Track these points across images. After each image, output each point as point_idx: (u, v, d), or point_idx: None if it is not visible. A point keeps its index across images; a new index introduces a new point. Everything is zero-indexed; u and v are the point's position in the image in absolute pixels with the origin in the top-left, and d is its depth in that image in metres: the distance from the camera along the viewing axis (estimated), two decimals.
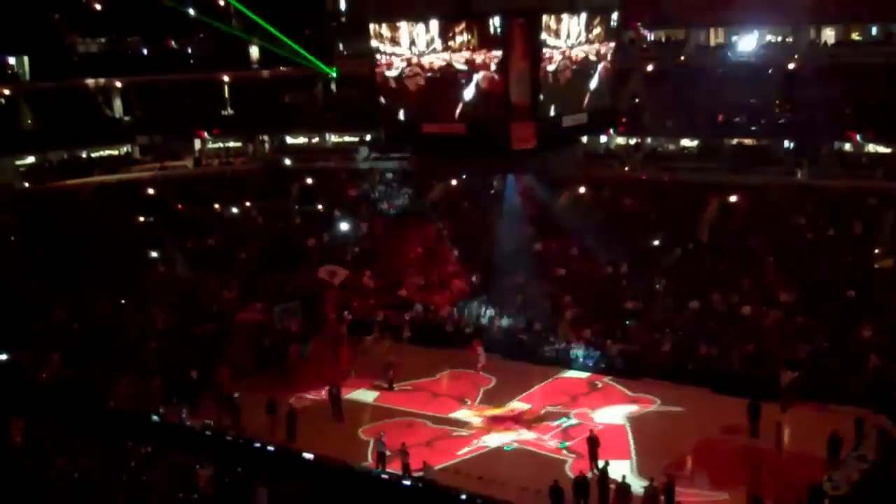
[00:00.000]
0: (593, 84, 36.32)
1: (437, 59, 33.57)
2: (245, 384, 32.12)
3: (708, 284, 36.45)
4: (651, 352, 33.63)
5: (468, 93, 33.55)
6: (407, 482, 23.81)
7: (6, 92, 45.96)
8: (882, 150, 39.69)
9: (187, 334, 35.41)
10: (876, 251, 35.87)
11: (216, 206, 46.90)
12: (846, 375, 30.03)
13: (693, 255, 38.90)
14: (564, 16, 33.28)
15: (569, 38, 33.83)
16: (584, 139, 43.87)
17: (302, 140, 52.10)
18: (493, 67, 32.52)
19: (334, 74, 48.18)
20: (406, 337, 37.68)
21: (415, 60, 34.16)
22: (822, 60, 41.53)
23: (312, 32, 50.76)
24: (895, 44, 41.13)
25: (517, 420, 29.98)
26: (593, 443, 26.08)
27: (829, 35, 42.84)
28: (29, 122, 46.81)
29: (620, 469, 24.82)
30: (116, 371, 31.27)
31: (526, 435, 28.83)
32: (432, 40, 33.37)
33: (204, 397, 30.84)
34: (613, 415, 29.98)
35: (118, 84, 48.77)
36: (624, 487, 23.60)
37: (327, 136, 51.80)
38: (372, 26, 35.06)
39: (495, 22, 32.18)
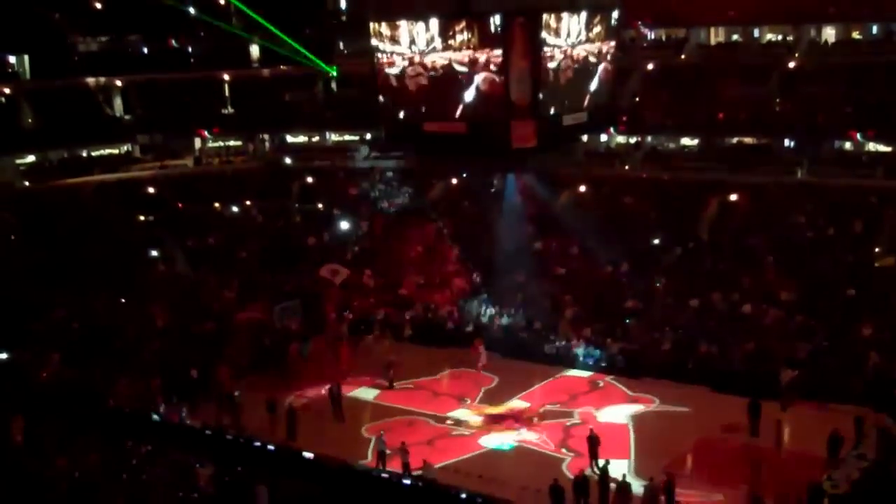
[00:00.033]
0: (594, 83, 36.31)
1: (438, 59, 33.56)
2: (245, 383, 32.14)
3: (708, 283, 36.46)
4: (651, 351, 33.62)
5: (468, 92, 33.55)
6: (407, 481, 23.80)
7: (7, 91, 45.94)
8: (882, 148, 39.66)
9: (187, 333, 35.42)
10: (876, 250, 35.87)
11: (216, 204, 46.90)
12: (846, 374, 30.03)
13: (693, 253, 38.91)
14: (565, 14, 33.27)
15: (569, 37, 33.81)
16: (585, 138, 43.85)
17: (302, 139, 52.08)
18: (493, 66, 32.51)
19: (333, 73, 48.13)
20: (407, 336, 37.69)
21: (415, 59, 34.15)
22: (823, 59, 41.48)
23: (313, 31, 50.72)
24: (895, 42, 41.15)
25: (517, 419, 30.00)
26: (593, 441, 26.09)
27: (829, 34, 42.79)
28: (29, 120, 46.79)
29: (618, 468, 24.82)
30: (116, 371, 31.27)
31: (527, 434, 28.84)
32: (432, 39, 33.37)
33: (204, 397, 30.86)
34: (617, 414, 29.97)
35: (118, 83, 48.76)
36: (624, 486, 23.60)
37: (327, 134, 51.77)
38: (372, 25, 35.06)
39: (495, 21, 32.17)
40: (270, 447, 25.09)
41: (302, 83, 51.31)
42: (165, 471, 23.04)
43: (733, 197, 40.04)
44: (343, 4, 51.69)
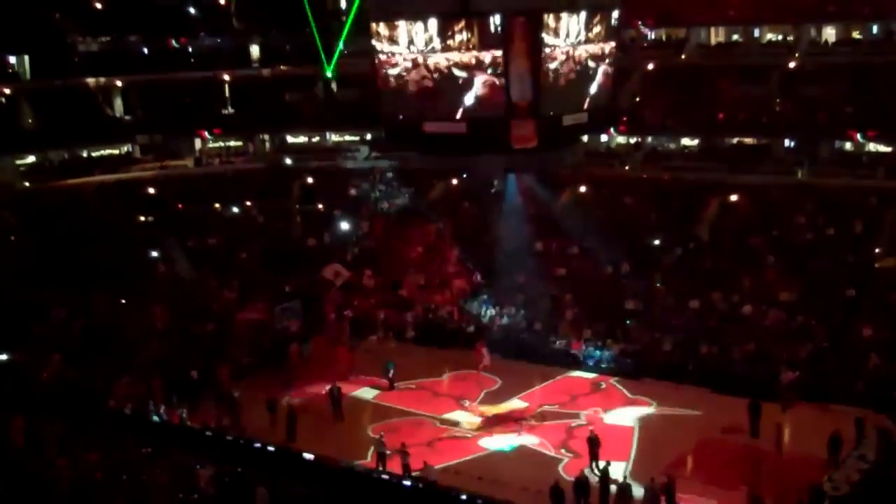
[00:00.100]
0: (594, 83, 36.27)
1: (437, 59, 33.53)
2: (245, 384, 32.15)
3: (708, 284, 36.47)
4: (651, 352, 33.61)
5: (469, 92, 33.52)
6: (407, 482, 23.79)
7: (7, 91, 45.83)
8: (883, 148, 39.63)
9: (188, 334, 35.43)
10: (876, 250, 35.86)
11: (217, 205, 46.86)
12: (847, 375, 30.05)
13: (693, 254, 38.92)
14: (564, 15, 33.22)
15: (569, 37, 33.76)
16: (585, 138, 43.77)
17: (302, 139, 52.06)
18: (493, 67, 32.49)
19: (329, 74, 48.03)
20: (410, 337, 37.68)
21: (415, 59, 34.12)
22: (823, 59, 41.45)
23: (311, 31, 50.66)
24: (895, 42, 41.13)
25: (517, 420, 29.97)
26: (593, 443, 26.09)
27: (829, 34, 42.76)
28: (29, 121, 46.70)
29: (616, 470, 24.83)
30: (117, 371, 31.29)
31: (527, 435, 28.81)
32: (431, 39, 33.33)
33: (204, 397, 30.86)
34: (624, 416, 29.91)
35: (119, 83, 48.66)
36: (624, 488, 23.59)
37: (328, 135, 51.74)
38: (371, 25, 35.03)
39: (495, 21, 32.15)
40: (270, 448, 25.07)
41: (302, 83, 51.26)
42: (165, 472, 23.01)
43: (733, 197, 40.06)
44: (343, 4, 51.63)
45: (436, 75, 33.82)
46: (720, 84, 43.58)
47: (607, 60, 36.27)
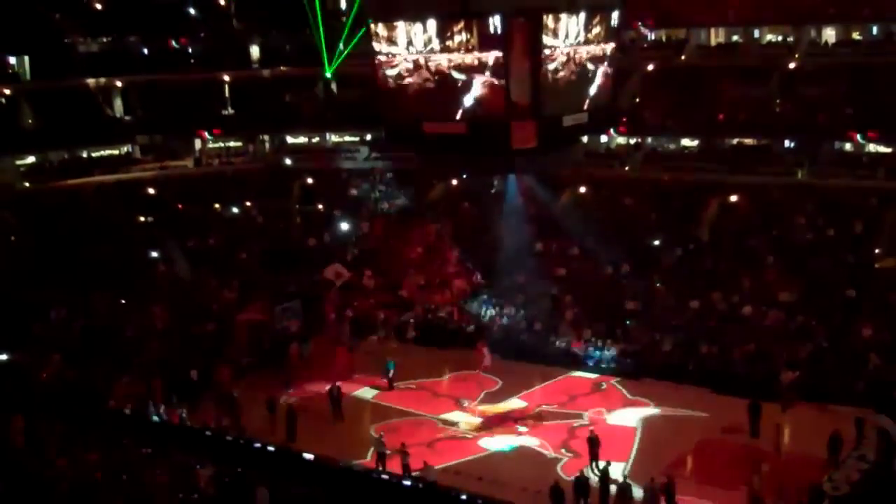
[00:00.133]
0: (594, 84, 36.28)
1: (437, 59, 33.54)
2: (245, 384, 32.15)
3: (708, 284, 36.47)
4: (651, 352, 33.61)
5: (469, 92, 33.52)
6: (407, 482, 23.79)
7: (7, 91, 45.86)
8: (883, 149, 39.63)
9: (188, 334, 35.43)
10: (877, 251, 35.86)
11: (216, 205, 46.91)
12: (847, 375, 30.04)
13: (693, 254, 38.93)
14: (563, 15, 33.23)
15: (568, 38, 33.78)
16: (585, 139, 43.79)
17: (302, 140, 52.07)
18: (493, 67, 32.49)
19: (328, 75, 48.03)
20: (411, 338, 37.68)
21: (414, 60, 34.12)
22: (823, 60, 41.46)
23: (312, 32, 50.65)
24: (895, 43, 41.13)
25: (517, 420, 29.97)
26: (593, 443, 26.09)
27: (829, 35, 42.77)
28: (29, 121, 46.73)
29: (615, 471, 24.82)
30: (117, 371, 31.29)
31: (527, 435, 28.80)
32: (430, 40, 33.34)
33: (204, 397, 30.86)
34: (628, 417, 29.86)
35: (119, 84, 48.69)
36: (624, 488, 23.58)
37: (328, 135, 51.76)
38: (371, 26, 35.04)
39: (495, 21, 32.15)
40: (270, 448, 25.07)
41: (302, 84, 51.27)
42: (165, 472, 23.01)
43: (733, 198, 40.06)
44: (343, 4, 51.63)
45: (435, 76, 33.86)
46: (720, 85, 43.56)
47: (607, 61, 36.32)
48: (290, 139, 51.84)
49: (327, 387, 31.21)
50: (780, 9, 41.72)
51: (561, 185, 43.66)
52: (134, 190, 46.14)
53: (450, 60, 33.09)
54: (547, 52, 32.83)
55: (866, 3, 40.26)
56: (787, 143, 42.29)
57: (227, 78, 49.78)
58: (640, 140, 45.43)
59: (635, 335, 34.64)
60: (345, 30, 45.38)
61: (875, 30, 41.92)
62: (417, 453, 26.12)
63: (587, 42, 34.80)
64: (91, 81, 47.89)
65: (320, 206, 47.42)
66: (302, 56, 48.55)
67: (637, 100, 45.45)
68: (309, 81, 50.25)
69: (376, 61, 35.35)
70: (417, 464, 25.37)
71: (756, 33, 44.08)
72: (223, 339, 35.38)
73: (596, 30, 35.12)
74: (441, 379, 33.98)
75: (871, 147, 40.02)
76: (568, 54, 33.83)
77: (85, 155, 48.52)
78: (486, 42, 32.54)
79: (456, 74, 33.16)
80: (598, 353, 34.17)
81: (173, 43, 50.22)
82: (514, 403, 31.31)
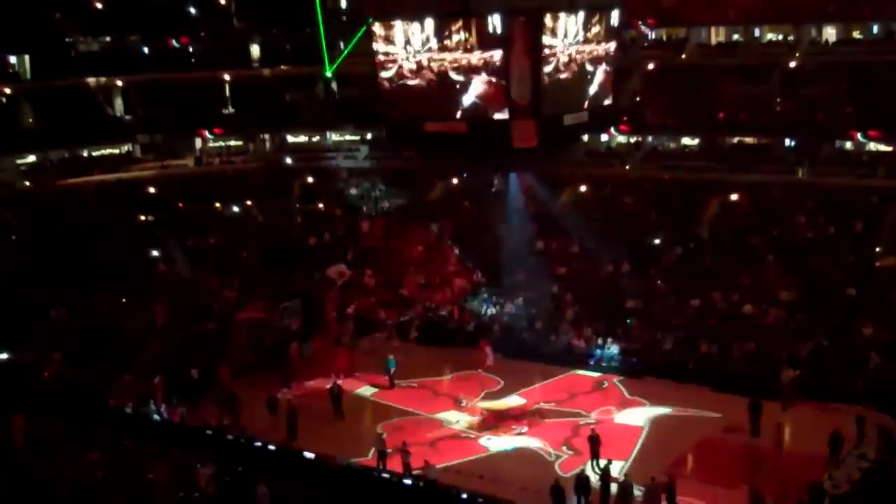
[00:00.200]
0: (594, 83, 36.32)
1: (437, 59, 33.56)
2: (245, 383, 32.15)
3: (709, 283, 36.47)
4: (652, 351, 33.61)
5: (469, 92, 33.56)
6: (407, 481, 23.80)
7: (7, 91, 45.88)
8: (883, 148, 39.63)
9: (188, 333, 35.43)
10: (877, 249, 35.86)
11: (217, 204, 46.92)
12: (847, 374, 30.03)
13: (694, 253, 38.93)
14: (562, 15, 33.26)
15: (567, 37, 33.82)
16: (585, 138, 43.85)
17: (303, 139, 52.09)
18: (492, 67, 32.52)
19: (329, 74, 48.03)
20: (413, 337, 37.68)
21: (414, 59, 34.15)
22: (823, 59, 41.45)
23: (313, 31, 50.66)
24: None
25: (517, 418, 29.96)
26: (594, 441, 26.09)
27: (830, 33, 42.75)
28: (30, 120, 46.76)
29: (615, 469, 24.81)
30: (117, 370, 31.30)
31: (528, 435, 28.80)
32: (428, 39, 33.38)
33: (204, 396, 30.86)
34: (635, 416, 29.79)
35: (119, 83, 48.70)
36: (626, 487, 23.57)
37: (328, 134, 51.78)
38: (374, 25, 35.09)
39: (495, 21, 32.16)
40: (271, 447, 25.08)
41: (302, 83, 51.27)
42: (166, 471, 23.02)
43: (734, 196, 40.06)
44: (343, 4, 51.64)
45: (434, 76, 33.91)
46: (720, 84, 43.57)
47: (607, 60, 36.35)
48: (290, 138, 51.86)
49: (328, 385, 31.23)
50: (781, 7, 41.70)
51: (561, 183, 43.68)
52: (134, 189, 46.15)
53: (449, 60, 33.16)
54: (548, 51, 32.89)
55: (867, 1, 40.26)
56: (787, 141, 42.29)
57: (227, 77, 49.79)
58: (640, 139, 45.43)
59: (636, 334, 34.64)
60: (351, 30, 45.38)
61: (875, 28, 41.89)
62: (419, 452, 26.12)
63: (587, 41, 34.86)
64: (91, 80, 47.89)
65: (321, 205, 47.44)
66: (302, 55, 48.55)
67: (637, 99, 45.44)
68: (309, 80, 50.27)
69: (378, 60, 35.44)
70: (418, 462, 25.36)
71: (756, 32, 44.07)
72: (224, 339, 35.38)
73: (595, 29, 35.21)
74: (443, 378, 33.97)
75: (872, 146, 40.04)
76: (568, 54, 33.90)
77: (85, 154, 48.56)
78: (486, 41, 32.60)
79: (454, 75, 33.22)
80: (598, 351, 34.15)
81: (174, 42, 50.19)
82: (514, 401, 31.31)
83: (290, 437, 28.08)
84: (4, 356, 32.09)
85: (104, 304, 36.85)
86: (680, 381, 31.93)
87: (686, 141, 45.05)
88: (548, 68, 33.34)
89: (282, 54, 49.69)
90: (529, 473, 25.51)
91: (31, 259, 38.20)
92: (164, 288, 39.10)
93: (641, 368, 32.95)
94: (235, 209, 46.98)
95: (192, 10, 50.13)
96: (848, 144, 40.81)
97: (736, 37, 44.71)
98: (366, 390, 32.86)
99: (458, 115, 34.30)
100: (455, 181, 46.51)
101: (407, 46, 33.88)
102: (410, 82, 34.82)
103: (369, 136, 49.27)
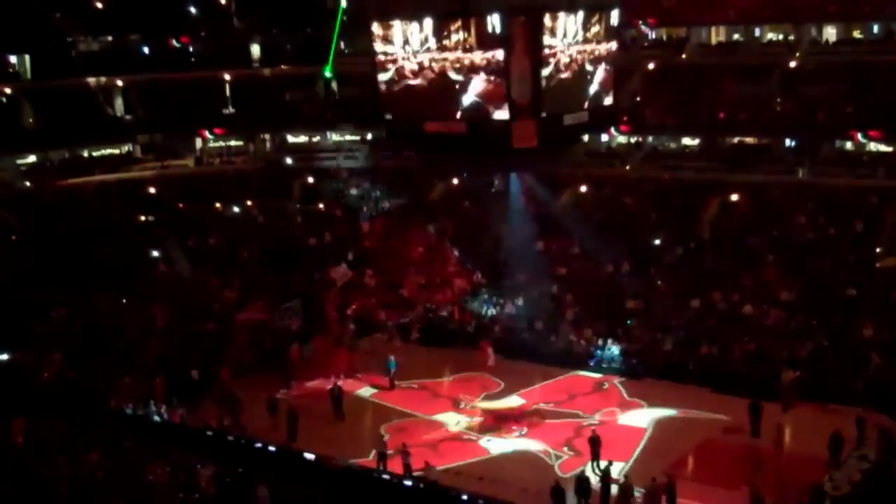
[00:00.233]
0: (594, 83, 36.30)
1: (438, 59, 33.54)
2: (246, 383, 32.15)
3: (709, 283, 36.45)
4: (652, 351, 33.60)
5: (469, 92, 33.54)
6: (408, 482, 23.80)
7: (7, 91, 45.86)
8: (883, 148, 39.62)
9: (188, 333, 35.43)
10: (877, 250, 35.86)
11: (217, 204, 46.88)
12: (847, 375, 30.01)
13: (694, 253, 38.93)
14: (562, 14, 33.24)
15: (566, 37, 33.81)
16: (586, 138, 43.84)
17: (303, 139, 52.09)
18: (492, 67, 32.49)
19: (328, 74, 48.03)
20: (414, 338, 37.68)
21: (414, 59, 34.13)
22: (824, 59, 41.44)
23: (313, 31, 50.68)
24: None
25: (517, 419, 29.95)
26: (594, 442, 26.08)
27: (830, 33, 42.75)
28: (30, 120, 46.74)
29: (616, 470, 24.79)
30: (118, 371, 31.30)
31: (528, 436, 28.79)
32: (429, 39, 33.36)
33: (205, 397, 30.87)
34: (639, 418, 29.76)
35: (119, 83, 48.69)
36: (626, 488, 23.57)
37: (328, 134, 51.78)
38: (373, 25, 35.08)
39: (495, 20, 32.14)
40: (271, 448, 25.09)
41: (302, 83, 51.25)
42: (166, 471, 23.03)
43: (734, 197, 40.06)
44: (343, 3, 51.62)
45: (436, 75, 33.90)
46: (721, 83, 43.59)
47: (607, 60, 36.33)
48: (290, 138, 51.85)
49: (328, 386, 31.23)
50: (781, 7, 41.72)
51: (561, 184, 43.67)
52: (135, 189, 46.15)
53: (450, 59, 33.14)
54: (548, 51, 32.86)
55: (867, 1, 40.27)
56: (787, 141, 42.32)
57: (227, 77, 49.78)
58: (640, 139, 45.45)
59: (636, 334, 34.63)
60: (352, 30, 45.37)
61: (876, 28, 41.90)
62: (420, 454, 26.10)
63: (587, 41, 34.84)
64: (92, 80, 47.87)
65: (321, 206, 47.43)
66: (302, 55, 48.55)
67: (638, 98, 45.44)
68: (309, 80, 50.28)
69: (378, 60, 35.43)
70: (419, 464, 25.36)
71: (757, 32, 44.09)
72: (224, 339, 35.37)
73: (595, 29, 35.20)
74: (443, 379, 33.95)
75: (872, 146, 40.05)
76: (568, 53, 33.88)
77: (86, 154, 48.57)
78: (486, 41, 32.58)
79: (454, 74, 33.20)
80: (599, 352, 34.13)
81: (174, 42, 50.17)
82: (513, 401, 31.30)
83: (291, 438, 28.07)
84: (4, 356, 32.10)
85: (104, 304, 36.86)
86: (680, 381, 31.93)
87: (686, 141, 45.06)
88: (548, 68, 33.32)
89: (282, 54, 49.68)
90: (530, 475, 25.50)
91: (32, 259, 38.19)
92: (164, 288, 39.08)
93: (642, 369, 32.93)
94: (236, 209, 46.96)
95: (193, 10, 50.13)
96: (848, 144, 40.84)
97: (736, 37, 44.73)
98: (366, 391, 32.86)
99: (458, 115, 34.26)
100: (455, 181, 46.49)
101: (406, 46, 33.86)
102: (410, 82, 34.79)
103: (369, 136, 49.25)
